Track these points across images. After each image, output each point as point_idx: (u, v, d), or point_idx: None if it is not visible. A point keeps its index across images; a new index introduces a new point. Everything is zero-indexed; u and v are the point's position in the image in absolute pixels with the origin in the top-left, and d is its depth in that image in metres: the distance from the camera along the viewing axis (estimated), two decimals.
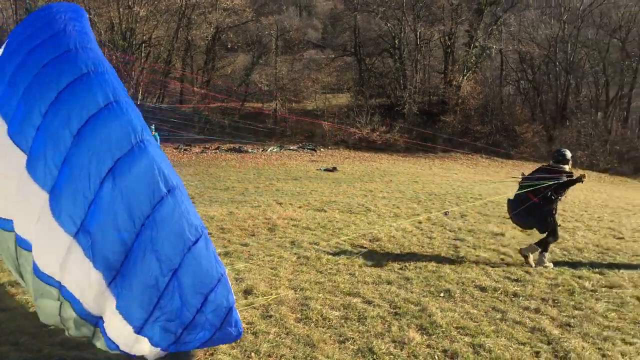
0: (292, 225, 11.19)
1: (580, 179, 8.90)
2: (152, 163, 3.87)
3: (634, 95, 47.72)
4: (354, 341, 5.51)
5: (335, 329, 5.78)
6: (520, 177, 9.50)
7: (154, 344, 4.18)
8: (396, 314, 6.33)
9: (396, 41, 46.71)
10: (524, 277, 8.14)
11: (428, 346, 5.51)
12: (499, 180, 11.73)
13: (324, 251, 9.16)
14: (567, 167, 9.08)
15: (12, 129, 4.09)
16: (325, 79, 50.43)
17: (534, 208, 8.80)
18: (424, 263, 8.69)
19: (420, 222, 12.26)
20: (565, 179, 8.81)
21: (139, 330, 4.09)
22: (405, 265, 8.51)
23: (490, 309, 6.71)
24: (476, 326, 6.05)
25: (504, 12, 48.19)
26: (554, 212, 8.95)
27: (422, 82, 47.65)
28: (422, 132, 39.52)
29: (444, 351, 5.44)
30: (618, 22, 47.25)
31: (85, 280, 3.98)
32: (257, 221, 11.46)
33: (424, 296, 7.03)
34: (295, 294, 6.80)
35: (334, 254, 9.01)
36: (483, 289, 7.47)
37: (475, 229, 11.80)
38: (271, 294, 6.65)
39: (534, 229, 9.38)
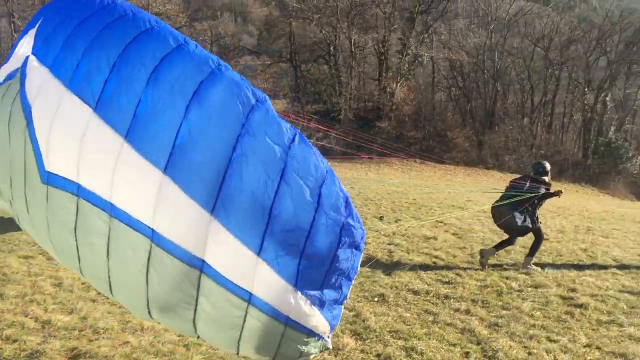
0: None
1: (557, 194, 9.39)
2: (236, 77, 3.52)
3: (557, 101, 50.10)
4: None
5: None
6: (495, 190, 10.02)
7: (276, 268, 3.47)
8: None
9: (331, 48, 47.21)
10: (455, 280, 8.36)
11: (362, 351, 5.55)
12: (486, 190, 12.19)
13: None
14: (546, 179, 9.48)
15: (74, 86, 3.68)
16: (261, 85, 50.30)
17: (520, 214, 9.15)
18: (359, 268, 8.75)
19: None
20: (544, 190, 9.21)
21: (259, 251, 3.45)
22: None
23: (423, 312, 6.84)
24: (409, 329, 6.15)
25: (435, 20, 49.61)
26: (535, 216, 9.43)
27: (357, 88, 48.30)
28: (359, 137, 40.00)
29: (378, 355, 5.50)
30: (541, 32, 49.58)
31: (182, 217, 3.46)
32: None
33: (358, 301, 7.08)
34: None
35: None
36: (416, 292, 7.60)
37: (409, 233, 12.01)
38: None
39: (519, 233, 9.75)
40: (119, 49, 3.56)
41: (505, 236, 9.90)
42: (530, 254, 9.54)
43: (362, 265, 8.77)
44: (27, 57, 4.16)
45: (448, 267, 9.16)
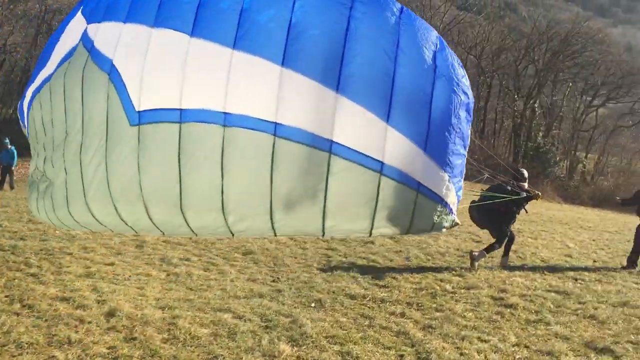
0: (163, 241, 10.79)
1: (536, 196, 9.92)
2: None
3: (489, 107, 51.84)
4: (224, 358, 5.38)
5: (204, 347, 5.62)
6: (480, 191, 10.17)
7: (405, 133, 3.75)
8: (267, 327, 6.29)
9: None
10: (391, 283, 8.47)
11: (298, 357, 5.51)
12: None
13: (195, 267, 8.93)
14: (525, 185, 9.96)
15: (161, 21, 3.99)
16: None
17: (496, 216, 9.77)
18: (297, 274, 8.76)
19: None
20: (524, 194, 9.54)
21: (387, 118, 3.69)
22: (278, 278, 8.53)
23: (359, 316, 6.88)
24: (345, 334, 6.16)
25: None
26: (511, 223, 10.15)
27: None
28: None
29: None
30: (474, 40, 51.21)
31: (307, 101, 3.61)
32: (124, 238, 10.93)
33: (295, 307, 7.05)
34: (163, 313, 6.54)
35: (205, 270, 8.80)
36: (353, 297, 7.65)
37: (347, 237, 12.10)
38: (137, 315, 6.34)
39: (490, 231, 10.39)
40: None
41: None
42: (505, 254, 10.38)
43: (300, 272, 8.79)
44: (84, 30, 4.54)
45: (384, 271, 9.27)
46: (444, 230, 4.18)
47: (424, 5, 50.78)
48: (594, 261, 11.83)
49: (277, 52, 3.60)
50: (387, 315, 6.97)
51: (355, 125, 3.67)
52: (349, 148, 3.65)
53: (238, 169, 3.82)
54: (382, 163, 3.70)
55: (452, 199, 4.09)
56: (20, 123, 6.16)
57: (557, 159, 49.72)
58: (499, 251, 10.29)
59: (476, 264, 9.78)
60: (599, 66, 54.27)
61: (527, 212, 10.51)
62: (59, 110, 4.80)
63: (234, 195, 3.88)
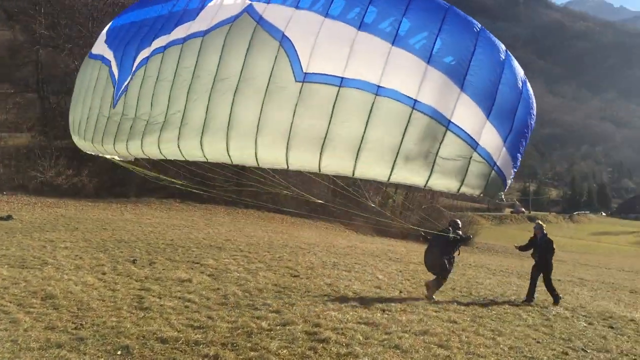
0: None
1: (468, 238, 12.89)
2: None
3: None
4: None
5: None
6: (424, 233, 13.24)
7: (498, 128, 5.50)
8: None
9: None
10: (207, 323, 8.23)
11: None
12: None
13: None
14: (459, 232, 12.46)
15: (335, 14, 5.46)
16: (0, 116, 45.03)
17: (441, 258, 12.05)
18: (104, 319, 8.13)
19: (104, 274, 11.55)
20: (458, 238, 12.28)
21: (487, 115, 5.45)
22: (82, 324, 7.83)
23: None
24: None
25: None
26: (452, 261, 12.31)
27: None
28: (113, 177, 37.95)
29: None
30: None
31: (440, 91, 5.31)
32: None
33: (98, 357, 6.51)
34: None
35: None
36: (164, 341, 7.28)
37: (162, 276, 11.60)
38: None
39: (435, 272, 12.37)
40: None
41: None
42: (432, 287, 12.23)
43: (108, 316, 8.17)
44: (249, 5, 5.89)
45: (200, 311, 9.00)
46: (496, 198, 5.93)
47: None
48: (400, 292, 12.66)
49: (425, 54, 5.29)
50: (200, 359, 6.73)
51: (470, 115, 5.35)
52: (461, 128, 5.33)
53: (380, 127, 5.32)
54: (477, 144, 5.40)
55: (508, 180, 5.78)
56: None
57: (370, 193, 53.07)
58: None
59: (434, 298, 11.97)
60: None
61: (459, 254, 12.78)
62: (209, 63, 5.99)
63: (372, 143, 5.34)
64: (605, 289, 20.70)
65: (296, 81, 5.41)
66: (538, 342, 9.26)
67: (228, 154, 6.00)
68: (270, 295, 10.62)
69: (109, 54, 7.56)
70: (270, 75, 5.53)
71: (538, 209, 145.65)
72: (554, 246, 13.59)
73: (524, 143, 5.75)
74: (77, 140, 8.51)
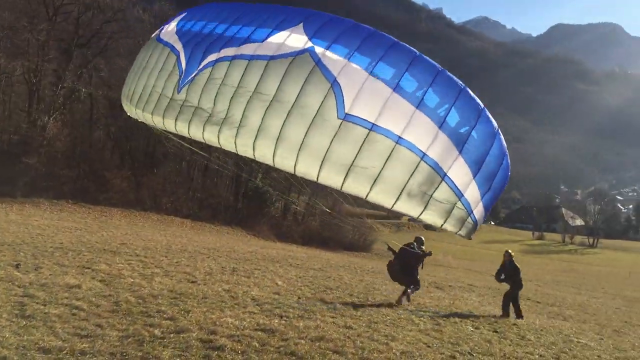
0: None
1: (429, 254, 14.61)
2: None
3: (213, 147, 53.06)
4: None
5: None
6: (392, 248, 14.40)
7: (480, 189, 7.32)
8: None
9: None
10: (95, 332, 7.83)
11: None
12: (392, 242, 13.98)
13: None
14: (423, 247, 14.81)
15: (376, 74, 7.01)
16: None
17: (409, 270, 14.25)
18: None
19: None
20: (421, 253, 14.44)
21: (474, 176, 7.17)
22: None
23: None
24: None
25: (94, 56, 47.75)
26: (416, 274, 14.43)
27: (1, 119, 42.95)
28: None
29: None
30: None
31: (441, 148, 7.02)
32: None
33: None
34: None
35: None
36: (47, 351, 6.84)
37: (49, 282, 10.92)
38: None
39: (403, 282, 14.51)
40: (404, 66, 7.07)
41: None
42: (407, 299, 14.33)
43: None
44: (311, 48, 7.17)
45: (89, 318, 8.55)
46: (470, 238, 7.78)
47: None
48: (299, 297, 12.72)
49: (439, 121, 6.94)
50: None
51: (460, 172, 7.04)
52: (452, 180, 7.01)
53: (395, 166, 6.88)
54: (462, 195, 7.12)
55: (478, 227, 7.60)
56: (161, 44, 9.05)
57: (274, 199, 53.07)
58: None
59: (406, 302, 14.10)
60: None
61: (422, 268, 14.90)
62: (269, 84, 7.23)
63: (386, 179, 6.91)
64: (491, 294, 21.92)
65: (338, 118, 6.87)
66: (428, 346, 9.63)
67: (273, 159, 7.40)
68: (165, 302, 10.29)
69: (178, 46, 8.72)
70: (319, 108, 6.93)
71: None
72: (519, 270, 15.35)
73: (495, 201, 7.71)
74: (127, 106, 9.84)
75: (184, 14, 9.42)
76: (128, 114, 10.11)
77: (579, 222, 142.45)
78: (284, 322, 9.83)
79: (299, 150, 7.06)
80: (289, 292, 13.42)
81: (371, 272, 24.57)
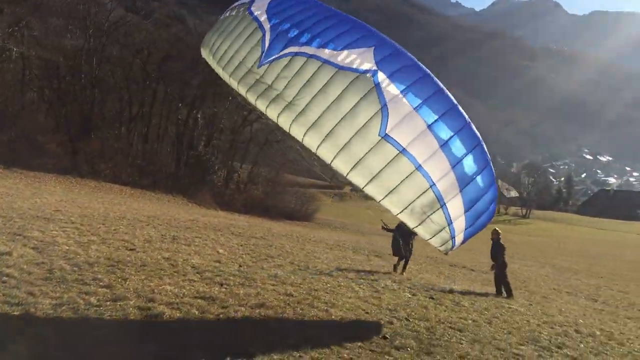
0: None
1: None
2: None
3: (153, 113, 51.78)
4: None
5: None
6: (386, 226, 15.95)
7: (465, 206, 8.91)
8: None
9: None
10: (26, 300, 7.56)
11: None
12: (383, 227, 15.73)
13: None
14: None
15: (420, 111, 8.49)
16: None
17: (404, 244, 16.28)
18: None
19: None
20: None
21: (465, 211, 8.93)
22: None
23: None
24: None
25: (27, 15, 45.30)
26: (411, 247, 16.77)
27: None
28: None
29: None
30: (141, 44, 50.57)
31: (442, 171, 8.54)
32: None
33: None
34: None
35: None
36: None
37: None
38: None
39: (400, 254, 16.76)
40: (441, 112, 8.62)
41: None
42: (404, 269, 16.66)
43: None
44: (375, 71, 8.41)
45: (20, 286, 8.25)
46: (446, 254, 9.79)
47: (89, 1, 48.00)
48: (240, 265, 12.70)
49: (453, 162, 8.56)
50: (16, 337, 6.19)
51: (456, 206, 8.72)
52: (448, 210, 8.64)
53: (409, 186, 8.44)
54: (451, 223, 8.81)
55: (454, 249, 9.40)
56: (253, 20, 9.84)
57: (216, 167, 52.46)
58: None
59: (398, 271, 16.51)
60: None
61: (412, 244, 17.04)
62: (333, 90, 8.45)
63: (399, 193, 8.52)
64: (428, 262, 22.56)
65: (379, 135, 8.25)
66: (367, 312, 9.84)
67: (317, 149, 8.74)
68: (101, 269, 10.05)
69: (266, 26, 9.65)
70: (366, 122, 8.25)
71: None
72: (503, 248, 15.78)
73: (473, 235, 9.50)
74: (207, 55, 11.04)
75: None
76: (205, 58, 11.34)
77: (514, 193, 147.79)
78: (224, 289, 9.81)
79: (341, 150, 8.51)
80: (230, 260, 13.38)
81: (312, 241, 24.79)
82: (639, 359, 9.87)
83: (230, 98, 57.32)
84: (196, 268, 11.51)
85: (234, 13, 10.64)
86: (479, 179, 8.92)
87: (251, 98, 9.59)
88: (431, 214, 8.76)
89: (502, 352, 8.57)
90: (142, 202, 33.21)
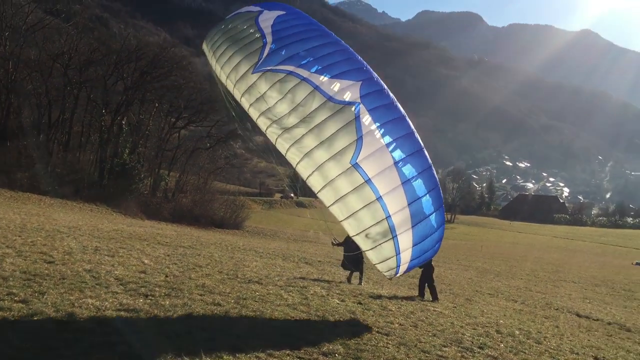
0: None
1: None
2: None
3: (75, 120, 49.91)
4: None
5: None
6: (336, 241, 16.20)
7: (414, 239, 10.04)
8: None
9: None
10: None
11: None
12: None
13: None
14: None
15: (392, 151, 9.69)
16: None
17: (356, 258, 16.21)
18: None
19: None
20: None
21: (414, 244, 10.09)
22: None
23: None
24: None
25: None
26: (361, 257, 16.20)
27: None
28: None
29: None
30: (61, 48, 48.66)
31: (400, 204, 9.66)
32: None
33: None
34: None
35: None
36: None
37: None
38: None
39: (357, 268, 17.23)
40: (409, 152, 9.96)
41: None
42: (360, 281, 17.27)
43: None
44: (358, 104, 9.55)
45: None
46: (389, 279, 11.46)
47: (4, 2, 45.67)
48: (166, 276, 12.41)
49: (411, 199, 9.70)
50: None
51: (406, 239, 9.93)
52: (398, 241, 9.87)
53: (368, 214, 9.80)
54: (399, 254, 10.05)
55: (402, 268, 10.47)
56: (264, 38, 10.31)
57: (142, 176, 51.16)
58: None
59: (361, 284, 17.07)
60: (182, 90, 58.43)
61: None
62: (319, 115, 9.56)
63: (358, 218, 9.88)
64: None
65: (350, 163, 9.39)
66: (295, 320, 9.85)
67: (296, 165, 9.96)
68: (17, 283, 9.55)
69: (269, 38, 10.24)
70: (342, 149, 9.41)
71: (307, 195, 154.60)
72: None
73: (415, 267, 11.00)
74: (206, 49, 11.46)
75: (283, 13, 10.93)
76: (204, 50, 11.71)
77: None
78: (149, 301, 9.55)
79: (316, 169, 9.71)
80: (156, 270, 13.04)
81: (242, 249, 24.60)
82: (555, 356, 10.37)
83: (156, 105, 56.29)
84: (120, 280, 11.13)
85: (241, 18, 11.19)
86: (432, 218, 10.02)
87: (245, 103, 10.48)
88: (383, 242, 9.85)
89: (427, 355, 8.79)
90: (63, 212, 31.89)
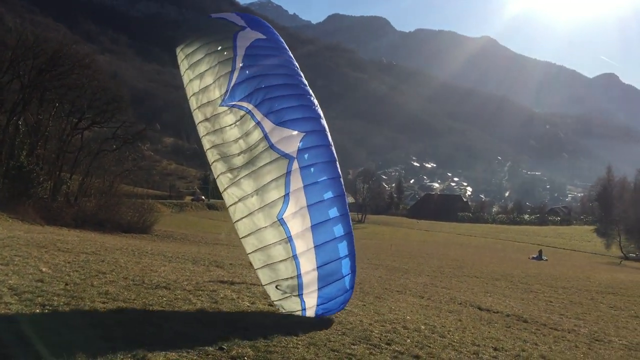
0: None
1: None
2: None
3: None
4: None
5: None
6: None
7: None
8: None
9: None
10: None
11: None
12: None
13: None
14: None
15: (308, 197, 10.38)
16: None
17: None
18: None
19: None
20: None
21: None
22: None
23: None
24: None
25: None
26: None
27: None
28: None
29: None
30: None
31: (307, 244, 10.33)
32: None
33: None
34: None
35: None
36: None
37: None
38: None
39: None
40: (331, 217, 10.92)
41: None
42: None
43: None
44: (293, 158, 10.13)
45: None
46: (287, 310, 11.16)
47: None
48: (66, 284, 11.80)
49: (321, 263, 10.55)
50: None
51: (311, 300, 10.74)
52: (304, 301, 10.82)
53: (279, 267, 10.76)
54: (305, 309, 10.92)
55: (310, 312, 10.95)
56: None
57: (41, 179, 48.35)
58: None
59: None
60: (85, 90, 55.79)
61: None
62: (261, 160, 10.34)
63: (276, 269, 10.85)
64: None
65: (277, 217, 10.17)
66: (204, 324, 9.65)
67: (235, 204, 10.85)
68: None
69: (238, 64, 10.53)
70: (272, 201, 10.20)
71: (217, 197, 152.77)
72: None
73: (324, 314, 10.98)
74: (180, 56, 11.30)
75: (263, 38, 11.07)
76: (177, 54, 11.47)
77: (351, 199, 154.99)
78: (46, 311, 9.03)
79: (247, 215, 10.58)
80: (55, 278, 12.35)
81: (150, 254, 23.85)
82: (457, 349, 10.80)
83: (56, 104, 53.48)
84: (14, 289, 10.46)
85: (222, 32, 11.01)
86: (339, 283, 10.68)
87: (202, 129, 11.03)
88: (290, 295, 10.69)
89: (336, 353, 8.87)
90: None
